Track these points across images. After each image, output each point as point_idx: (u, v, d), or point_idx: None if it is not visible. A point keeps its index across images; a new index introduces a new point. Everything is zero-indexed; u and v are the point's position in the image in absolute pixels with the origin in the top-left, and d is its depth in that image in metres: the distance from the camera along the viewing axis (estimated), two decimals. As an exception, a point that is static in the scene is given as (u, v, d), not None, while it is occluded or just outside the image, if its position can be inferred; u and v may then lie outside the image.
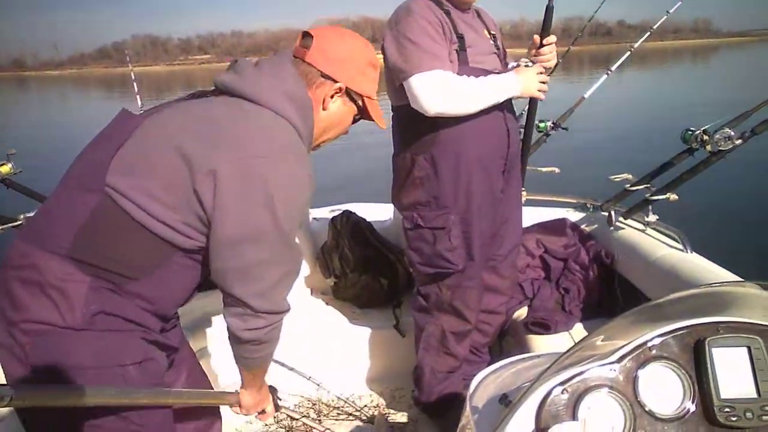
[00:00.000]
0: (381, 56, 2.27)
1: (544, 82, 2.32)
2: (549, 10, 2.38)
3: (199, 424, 1.73)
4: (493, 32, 2.38)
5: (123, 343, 1.33)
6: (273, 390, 1.80)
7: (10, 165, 2.85)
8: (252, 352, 1.48)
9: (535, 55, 2.34)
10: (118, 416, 1.32)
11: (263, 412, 1.73)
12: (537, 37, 2.35)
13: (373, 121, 1.62)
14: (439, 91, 2.11)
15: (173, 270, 1.39)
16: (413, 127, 2.26)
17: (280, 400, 1.84)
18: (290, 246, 1.42)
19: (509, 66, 2.41)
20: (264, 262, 1.37)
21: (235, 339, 1.47)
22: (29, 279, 1.27)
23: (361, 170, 10.45)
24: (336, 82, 1.52)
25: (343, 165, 11.28)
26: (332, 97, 1.54)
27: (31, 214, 2.85)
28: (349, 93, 1.56)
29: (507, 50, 2.47)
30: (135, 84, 3.80)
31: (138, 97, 3.72)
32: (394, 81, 2.20)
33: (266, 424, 2.62)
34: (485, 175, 2.30)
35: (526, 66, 2.34)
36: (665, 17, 3.48)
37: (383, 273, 3.11)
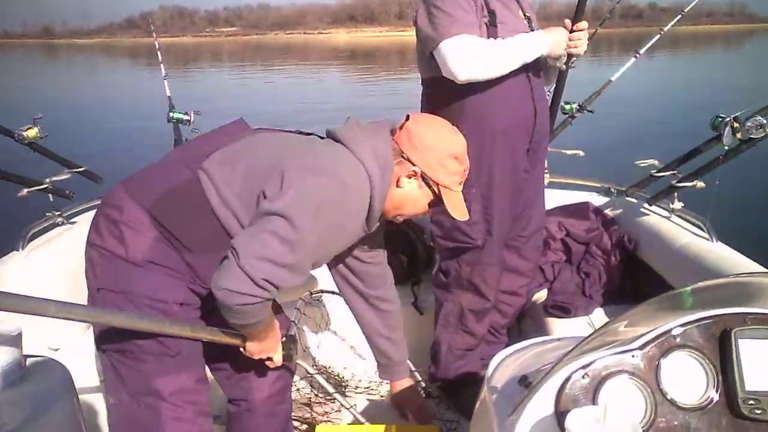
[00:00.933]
0: (414, 29, 2.26)
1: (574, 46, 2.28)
2: (582, 1, 2.32)
3: (273, 390, 1.88)
4: (528, 14, 2.34)
5: (171, 284, 1.54)
6: (291, 340, 1.83)
7: (36, 129, 2.87)
8: (228, 315, 1.48)
9: (568, 41, 2.29)
10: (156, 341, 1.53)
11: (270, 359, 1.75)
12: (568, 22, 2.30)
13: (448, 210, 1.68)
14: (468, 55, 2.10)
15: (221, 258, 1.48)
16: (440, 100, 2.25)
17: (295, 351, 1.85)
18: (309, 253, 1.49)
19: None
20: (281, 238, 1.41)
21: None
22: (111, 216, 1.54)
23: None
24: (413, 165, 1.62)
25: None
26: (409, 177, 1.64)
27: (57, 178, 2.89)
28: (425, 178, 1.64)
29: None
30: (159, 53, 3.82)
31: (162, 66, 3.73)
32: (424, 51, 2.19)
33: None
34: (509, 152, 2.28)
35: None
36: (696, 0, 3.40)
37: (403, 250, 3.11)
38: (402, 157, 1.62)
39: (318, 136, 1.68)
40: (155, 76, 3.74)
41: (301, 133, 1.71)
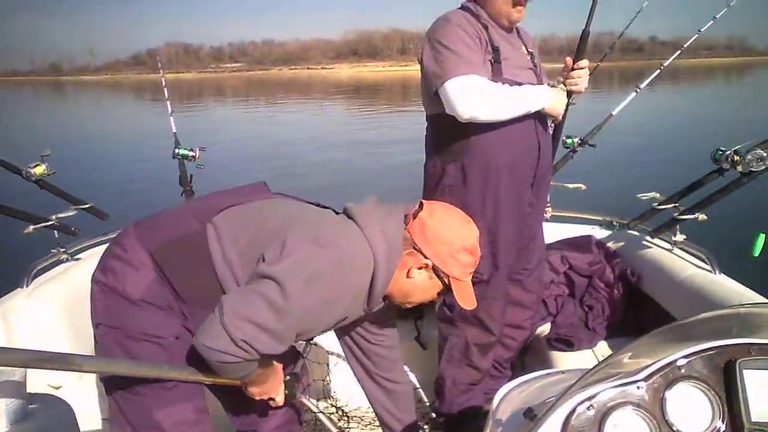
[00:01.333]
0: (419, 67, 2.30)
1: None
2: (585, 35, 2.35)
3: (280, 422, 1.91)
4: (531, 50, 2.39)
5: (167, 320, 1.56)
6: (295, 378, 1.82)
7: (44, 166, 2.90)
8: (214, 366, 1.47)
9: (566, 78, 2.34)
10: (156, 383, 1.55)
11: (272, 398, 1.75)
12: (569, 60, 2.34)
13: (457, 300, 1.68)
14: (474, 96, 2.13)
15: None
16: (445, 135, 2.29)
17: (302, 389, 1.85)
18: (295, 323, 1.46)
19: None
20: (268, 302, 1.41)
21: None
22: (115, 253, 1.59)
23: (389, 178, 10.53)
24: (425, 257, 1.61)
25: (369, 172, 11.39)
26: (419, 269, 1.63)
27: (63, 215, 2.91)
28: (436, 270, 1.63)
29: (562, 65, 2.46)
30: (165, 90, 3.87)
31: (168, 103, 3.78)
32: (430, 88, 2.22)
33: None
34: (514, 185, 2.30)
35: (553, 86, 2.34)
36: (696, 36, 3.46)
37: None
38: (414, 248, 1.61)
39: (334, 210, 1.69)
40: (160, 113, 3.78)
41: (318, 205, 1.71)
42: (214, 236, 1.56)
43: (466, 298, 1.68)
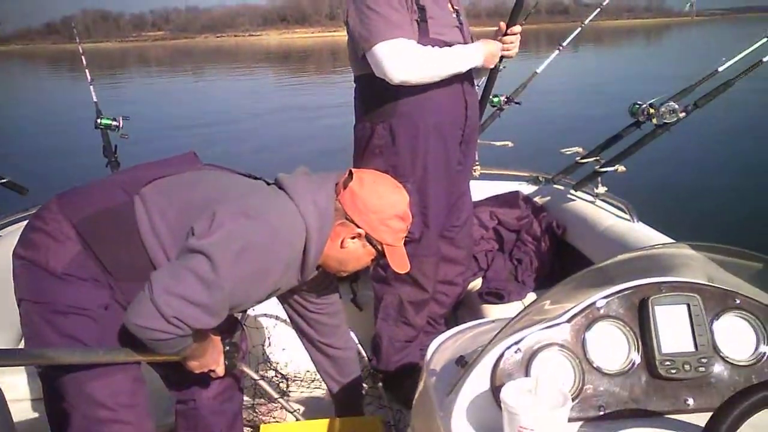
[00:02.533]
0: (345, 28, 2.28)
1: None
2: (519, 1, 2.39)
3: (220, 388, 1.87)
4: (456, 7, 2.39)
5: (93, 290, 1.51)
6: (234, 347, 1.81)
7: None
8: (148, 344, 1.46)
9: (501, 41, 2.38)
10: (83, 345, 1.50)
11: (213, 370, 1.75)
12: (503, 25, 2.38)
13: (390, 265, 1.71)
14: (403, 59, 2.13)
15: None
16: (374, 96, 2.29)
17: (242, 358, 1.85)
18: (227, 296, 1.45)
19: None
20: (198, 277, 1.39)
21: None
22: (37, 226, 1.54)
23: (320, 141, 10.48)
24: (357, 227, 1.64)
25: (300, 136, 11.31)
26: (352, 238, 1.66)
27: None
28: (369, 239, 1.66)
29: (490, 28, 2.50)
30: (83, 58, 3.71)
31: (87, 71, 3.63)
32: (357, 51, 2.21)
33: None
34: (442, 145, 2.33)
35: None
36: (614, -6, 3.55)
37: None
38: (346, 218, 1.63)
39: (265, 181, 1.67)
40: (79, 83, 3.63)
41: (249, 176, 1.70)
42: (141, 208, 1.52)
43: (399, 263, 1.73)
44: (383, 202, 1.66)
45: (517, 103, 3.37)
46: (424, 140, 2.29)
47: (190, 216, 1.50)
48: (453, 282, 2.64)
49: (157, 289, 1.36)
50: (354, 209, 1.63)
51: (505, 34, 2.37)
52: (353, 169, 1.68)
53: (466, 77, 2.35)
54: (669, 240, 2.37)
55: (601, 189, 2.90)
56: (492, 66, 2.37)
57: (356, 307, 2.90)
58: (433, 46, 2.19)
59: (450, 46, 2.26)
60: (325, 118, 13.07)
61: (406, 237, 2.32)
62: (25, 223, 1.63)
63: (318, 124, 12.86)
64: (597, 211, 2.83)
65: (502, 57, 2.40)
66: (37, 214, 1.57)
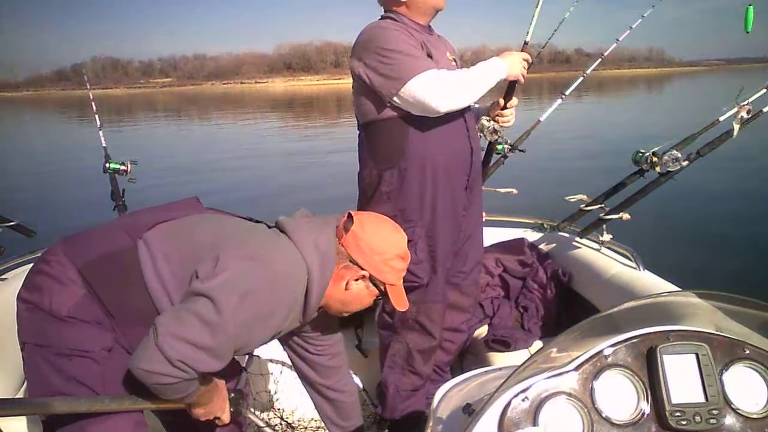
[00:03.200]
0: (351, 81, 2.33)
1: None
2: (512, 84, 2.47)
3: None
4: (453, 57, 2.46)
5: (96, 333, 1.51)
6: (239, 394, 1.79)
7: (-36, 185, 2.78)
8: (153, 389, 1.45)
9: (497, 116, 2.48)
10: (87, 387, 1.50)
11: (218, 417, 1.73)
12: (501, 101, 2.47)
13: (392, 303, 1.75)
14: (442, 88, 2.16)
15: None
16: (381, 143, 2.31)
17: (247, 405, 1.82)
18: (231, 339, 1.45)
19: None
20: (202, 320, 1.40)
21: None
22: (41, 269, 1.55)
23: (324, 187, 10.54)
24: (361, 269, 1.67)
25: (303, 182, 11.37)
26: (356, 280, 1.68)
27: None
28: (372, 279, 1.69)
29: None
30: (93, 104, 3.78)
31: (96, 116, 3.69)
32: (384, 97, 2.21)
33: None
34: (449, 188, 2.35)
35: (487, 122, 2.50)
36: (615, 45, 3.63)
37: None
38: (350, 261, 1.66)
39: (267, 224, 1.70)
40: (89, 128, 3.69)
41: (251, 219, 1.72)
42: (145, 252, 1.54)
43: (400, 301, 1.76)
44: (386, 244, 1.69)
45: (521, 150, 3.39)
46: (433, 184, 2.31)
47: (194, 260, 1.51)
48: (459, 329, 2.63)
49: (162, 334, 1.36)
50: (358, 251, 1.66)
51: (503, 108, 2.46)
52: (352, 212, 1.71)
53: (470, 122, 2.39)
54: (675, 288, 2.37)
55: (606, 236, 2.90)
56: (518, 74, 2.39)
57: (361, 354, 2.88)
58: None
59: None
60: (329, 165, 13.19)
61: (413, 282, 2.33)
62: (30, 266, 1.64)
63: (322, 170, 12.96)
64: (603, 258, 2.83)
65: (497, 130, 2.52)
66: (42, 257, 1.58)
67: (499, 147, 3.33)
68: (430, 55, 2.27)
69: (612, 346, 1.16)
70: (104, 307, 1.52)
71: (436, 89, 2.15)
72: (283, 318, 1.58)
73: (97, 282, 1.51)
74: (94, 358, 1.50)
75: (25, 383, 2.28)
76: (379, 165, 2.33)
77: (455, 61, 2.45)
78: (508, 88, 2.50)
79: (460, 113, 2.31)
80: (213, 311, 1.40)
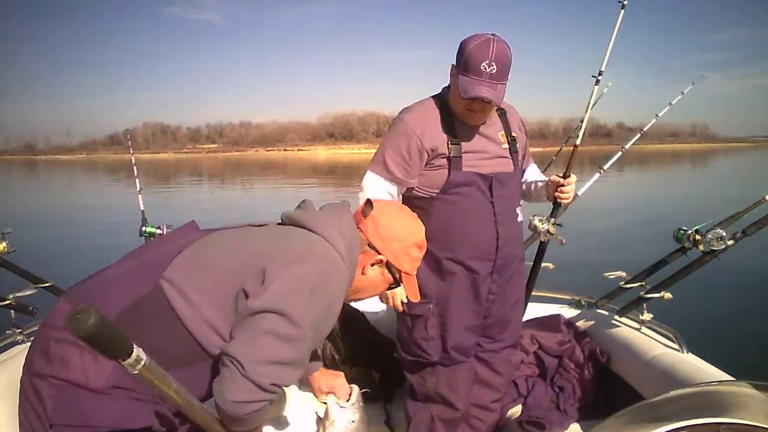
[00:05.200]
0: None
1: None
2: (574, 150, 2.66)
3: None
4: (514, 135, 2.41)
5: (137, 409, 1.41)
6: None
7: (4, 243, 2.84)
8: (234, 425, 1.43)
9: (558, 192, 2.50)
10: None
11: None
12: (557, 178, 2.49)
13: (407, 292, 1.78)
14: (364, 195, 2.28)
15: (195, 374, 1.47)
16: None
17: None
18: (310, 343, 1.47)
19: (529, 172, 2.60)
20: (279, 336, 1.39)
21: (219, 412, 1.43)
22: (66, 339, 1.39)
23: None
24: (379, 254, 1.69)
25: None
26: (372, 265, 1.70)
27: (21, 294, 2.83)
28: (389, 265, 1.71)
29: (533, 149, 2.63)
30: (135, 168, 3.88)
31: (137, 180, 3.78)
32: None
33: None
34: (467, 278, 2.35)
35: (541, 224, 2.65)
36: (654, 120, 3.60)
37: (375, 366, 3.04)
38: (368, 246, 1.67)
39: (278, 223, 1.68)
40: (133, 191, 3.77)
41: (255, 226, 1.67)
42: (173, 291, 1.45)
43: (413, 291, 1.78)
44: (405, 231, 1.72)
45: (558, 224, 3.33)
46: (446, 273, 2.33)
47: (228, 282, 1.47)
48: (488, 408, 2.53)
49: (246, 363, 1.35)
50: (377, 237, 1.68)
51: (562, 185, 2.49)
52: (373, 200, 1.75)
53: (500, 207, 2.34)
54: (723, 374, 2.24)
55: (647, 315, 2.79)
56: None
57: (389, 430, 2.79)
58: (461, 180, 2.28)
59: (486, 177, 2.30)
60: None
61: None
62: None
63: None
64: (643, 339, 2.71)
65: (560, 205, 2.58)
66: (54, 323, 1.45)
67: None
68: (457, 145, 2.27)
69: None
70: None
71: (364, 188, 2.31)
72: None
73: (134, 336, 1.40)
74: None
75: None
76: None
77: (512, 140, 2.40)
78: (568, 165, 2.59)
79: (488, 200, 2.30)
80: (287, 324, 1.39)
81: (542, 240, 2.72)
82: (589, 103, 2.73)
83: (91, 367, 1.38)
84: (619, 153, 3.56)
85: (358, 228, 1.68)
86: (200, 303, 1.45)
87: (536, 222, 2.66)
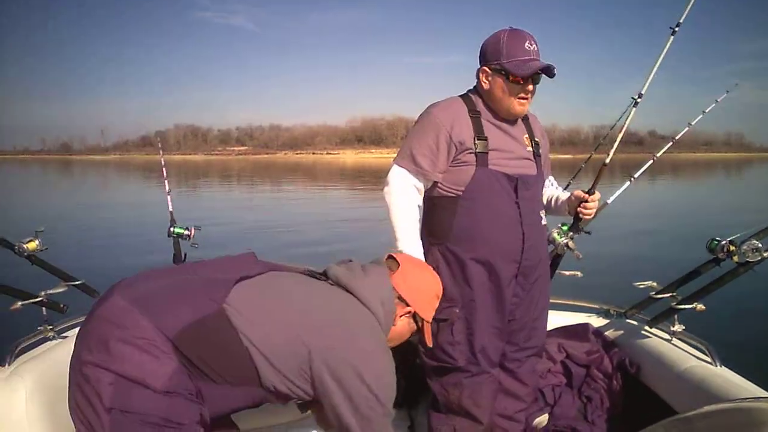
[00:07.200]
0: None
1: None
2: (602, 167, 2.70)
3: None
4: (537, 140, 2.43)
5: (187, 407, 1.53)
6: None
7: (37, 242, 2.89)
8: None
9: (581, 208, 2.50)
10: None
11: None
12: (582, 193, 2.48)
13: (425, 338, 1.98)
14: (390, 187, 2.32)
15: (244, 393, 1.64)
16: (431, 218, 2.34)
17: None
18: (390, 413, 1.72)
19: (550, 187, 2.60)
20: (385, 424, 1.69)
21: None
22: (126, 339, 1.50)
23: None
24: (408, 306, 1.88)
25: (369, 242, 11.37)
26: (401, 316, 1.88)
27: (53, 291, 2.87)
28: (414, 315, 1.91)
29: (563, 156, 2.54)
30: (164, 170, 3.93)
31: (166, 182, 3.82)
32: None
33: None
34: (492, 279, 2.32)
35: (559, 237, 2.71)
36: (687, 128, 3.53)
37: (399, 371, 3.02)
38: (399, 299, 1.85)
39: (322, 276, 1.82)
40: (162, 192, 3.82)
41: (310, 273, 1.83)
42: (238, 318, 1.59)
43: (429, 337, 1.99)
44: (428, 285, 1.96)
45: (586, 232, 3.28)
46: (471, 273, 2.30)
47: (292, 333, 1.62)
48: (513, 418, 2.49)
49: None
50: (407, 291, 1.87)
51: (585, 201, 2.49)
52: (395, 255, 1.95)
53: (527, 209, 2.33)
54: (758, 390, 2.18)
55: (678, 327, 2.73)
56: None
57: (412, 436, 2.77)
58: (487, 178, 2.27)
59: (511, 178, 2.29)
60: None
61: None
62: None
63: (386, 231, 12.99)
64: (674, 350, 2.65)
65: (581, 218, 2.57)
66: (122, 324, 1.53)
67: (564, 228, 3.22)
68: (484, 141, 2.26)
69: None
70: (201, 375, 1.55)
71: (389, 184, 2.32)
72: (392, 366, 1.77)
73: (193, 352, 1.53)
74: (188, 430, 1.52)
75: None
76: (429, 238, 2.34)
77: (536, 144, 2.42)
78: (594, 182, 2.59)
79: (513, 201, 2.28)
80: (387, 410, 1.69)
81: (559, 253, 2.75)
82: (625, 123, 2.73)
83: (151, 368, 1.49)
84: (651, 161, 3.49)
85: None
86: (263, 337, 1.59)
87: (555, 234, 2.71)
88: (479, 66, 2.33)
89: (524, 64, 2.21)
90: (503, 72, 2.24)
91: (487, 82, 2.29)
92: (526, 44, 2.22)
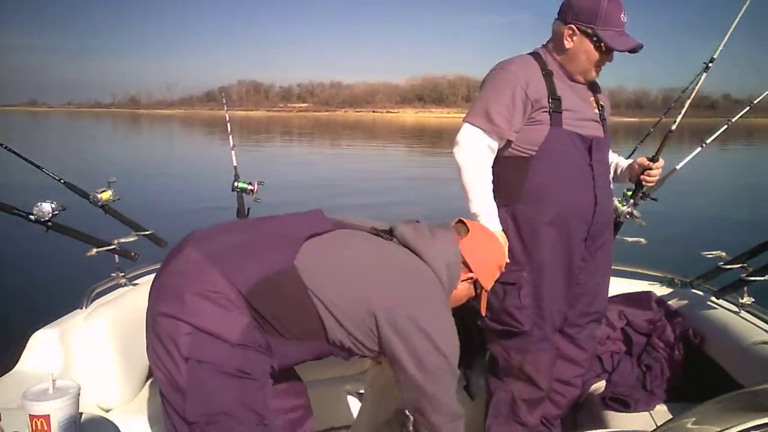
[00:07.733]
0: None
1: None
2: (668, 133, 2.67)
3: (293, 417, 1.84)
4: (602, 103, 2.38)
5: (260, 359, 1.59)
6: None
7: (110, 192, 3.00)
8: None
9: (645, 176, 2.46)
10: (251, 410, 1.58)
11: None
12: (645, 161, 2.44)
13: (481, 306, 2.01)
14: (463, 147, 2.23)
15: (310, 347, 1.68)
16: (501, 179, 2.28)
17: None
18: (455, 370, 1.76)
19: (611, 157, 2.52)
20: (441, 391, 1.72)
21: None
22: (201, 293, 1.54)
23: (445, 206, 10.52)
24: (471, 272, 1.88)
25: (426, 197, 11.34)
26: (463, 281, 1.88)
27: (124, 240, 2.99)
28: (475, 282, 1.92)
29: (628, 119, 2.50)
30: (228, 125, 3.97)
31: (230, 137, 3.86)
32: None
33: None
34: (564, 239, 2.26)
35: (621, 205, 2.68)
36: (767, 92, 3.33)
37: (457, 332, 3.04)
38: (464, 264, 1.86)
39: (388, 234, 1.83)
40: (225, 147, 3.88)
41: (376, 232, 1.82)
42: (309, 275, 1.61)
43: (485, 305, 2.02)
44: (494, 255, 1.95)
45: (653, 199, 3.18)
46: (544, 232, 2.25)
47: (362, 293, 1.65)
48: (570, 383, 2.48)
49: (444, 413, 1.75)
50: (473, 258, 1.87)
51: (650, 168, 2.45)
52: (466, 221, 1.94)
53: (599, 171, 2.28)
54: None
55: (747, 299, 2.64)
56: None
57: (468, 396, 2.79)
58: (562, 139, 2.22)
59: (584, 138, 2.23)
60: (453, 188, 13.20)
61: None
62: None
63: (444, 192, 12.89)
64: (742, 323, 2.57)
65: (643, 186, 2.54)
66: (199, 277, 1.57)
67: (629, 194, 3.14)
68: (557, 100, 2.21)
69: (757, 428, 1.02)
70: (271, 330, 1.59)
71: (462, 144, 2.23)
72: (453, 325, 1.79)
73: (265, 307, 1.57)
74: (259, 381, 1.58)
75: (147, 382, 2.42)
76: (498, 200, 2.27)
77: (601, 108, 2.36)
78: (659, 150, 2.55)
79: (587, 163, 2.23)
80: (451, 367, 1.72)
81: (621, 221, 2.70)
82: (694, 89, 2.62)
83: (225, 321, 1.54)
84: (725, 126, 3.34)
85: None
86: (332, 295, 1.62)
87: (616, 203, 2.63)
88: (564, 21, 2.23)
89: (620, 37, 2.16)
90: (595, 38, 2.17)
91: (571, 41, 2.21)
92: (621, 16, 2.16)
